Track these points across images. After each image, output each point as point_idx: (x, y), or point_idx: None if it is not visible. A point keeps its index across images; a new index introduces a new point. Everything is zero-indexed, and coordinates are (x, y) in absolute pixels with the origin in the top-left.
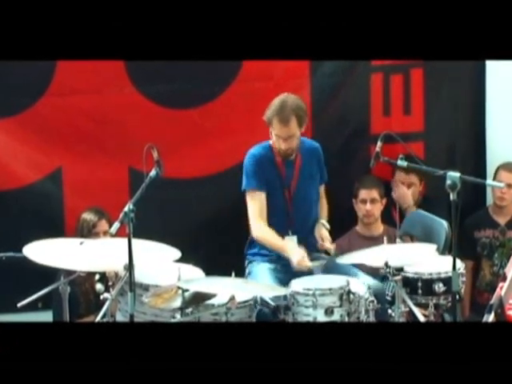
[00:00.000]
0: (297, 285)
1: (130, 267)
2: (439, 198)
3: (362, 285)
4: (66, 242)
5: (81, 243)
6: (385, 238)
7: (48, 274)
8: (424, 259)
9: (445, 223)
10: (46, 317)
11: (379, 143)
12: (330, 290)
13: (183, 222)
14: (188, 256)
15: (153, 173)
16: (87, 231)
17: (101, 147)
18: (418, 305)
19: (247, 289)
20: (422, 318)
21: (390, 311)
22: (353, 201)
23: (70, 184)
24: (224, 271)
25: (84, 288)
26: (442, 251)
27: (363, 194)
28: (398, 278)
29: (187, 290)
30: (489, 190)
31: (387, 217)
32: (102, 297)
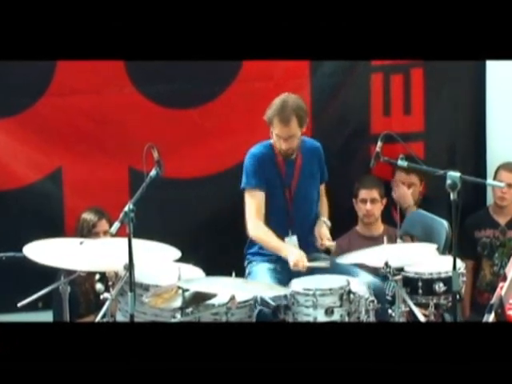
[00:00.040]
0: (297, 285)
1: (130, 267)
2: (439, 197)
3: (362, 285)
4: (65, 242)
5: (81, 243)
6: (385, 238)
7: (48, 274)
8: (424, 259)
9: (445, 223)
10: (46, 317)
11: (379, 143)
12: (331, 289)
13: (183, 222)
14: (188, 256)
15: (153, 173)
16: (87, 231)
17: (101, 147)
18: (418, 305)
19: (247, 289)
20: (422, 318)
21: (390, 311)
22: (353, 201)
23: (70, 184)
24: (224, 271)
25: (84, 288)
26: (443, 251)
27: (363, 193)
28: (399, 277)
29: (187, 290)
30: (489, 190)
31: (387, 217)
32: (101, 297)
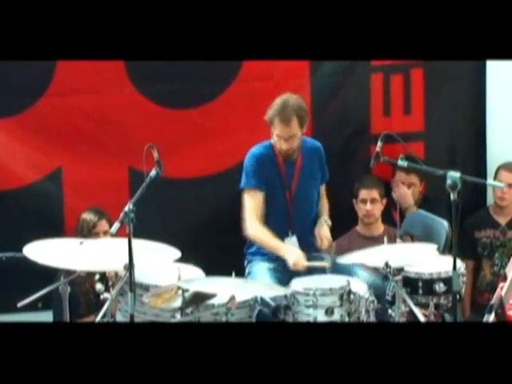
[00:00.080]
0: (297, 284)
1: (130, 267)
2: (439, 197)
3: (362, 285)
4: (65, 242)
5: (81, 243)
6: (385, 238)
7: (48, 274)
8: (424, 259)
9: (445, 223)
10: (46, 317)
11: (379, 143)
12: (331, 289)
13: (183, 222)
14: (188, 256)
15: (153, 173)
16: (87, 231)
17: (101, 147)
18: (418, 305)
19: (247, 289)
20: (422, 318)
21: (390, 311)
22: (353, 201)
23: (70, 184)
24: (224, 271)
25: (84, 288)
26: (443, 251)
27: (363, 193)
28: (399, 277)
29: (187, 290)
30: (489, 190)
31: (387, 217)
32: (102, 297)
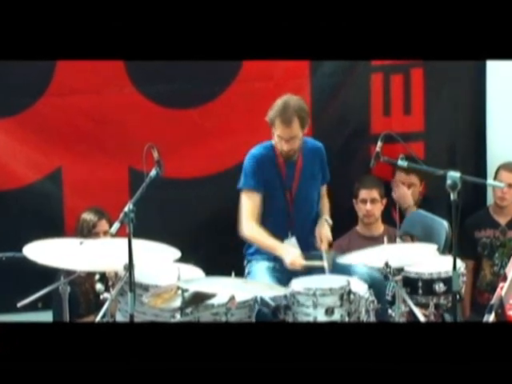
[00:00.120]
0: (297, 284)
1: (129, 267)
2: (439, 197)
3: (362, 285)
4: (65, 242)
5: (81, 243)
6: (385, 238)
7: (48, 274)
8: (424, 259)
9: (445, 223)
10: (46, 317)
11: (379, 143)
12: (331, 289)
13: (183, 222)
14: (188, 256)
15: (153, 173)
16: (87, 231)
17: (101, 147)
18: (418, 305)
19: (247, 289)
20: (422, 318)
21: (390, 311)
22: (353, 201)
23: (70, 184)
24: (224, 271)
25: (84, 288)
26: (443, 251)
27: (363, 193)
28: (399, 278)
29: (187, 290)
30: (489, 190)
31: (387, 217)
32: (101, 297)
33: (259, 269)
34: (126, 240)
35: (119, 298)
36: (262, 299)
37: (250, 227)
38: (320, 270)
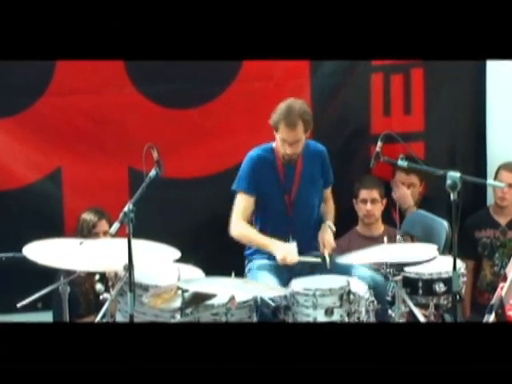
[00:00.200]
0: (297, 285)
1: (129, 267)
2: (439, 198)
3: (362, 285)
4: (65, 242)
5: (80, 243)
6: (385, 238)
7: (48, 274)
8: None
9: (445, 223)
10: (46, 317)
11: (379, 143)
12: (330, 290)
13: (183, 222)
14: (188, 256)
15: (153, 173)
16: (87, 231)
17: (101, 147)
18: (418, 305)
19: (247, 289)
20: (422, 319)
21: (390, 311)
22: (353, 201)
23: (70, 184)
24: (224, 271)
25: (84, 288)
26: (443, 251)
27: (364, 194)
28: (399, 278)
29: (187, 291)
30: (489, 190)
31: (387, 217)
32: (101, 297)
33: (259, 267)
34: (125, 240)
35: (119, 299)
36: (261, 299)
37: (238, 226)
38: (320, 271)
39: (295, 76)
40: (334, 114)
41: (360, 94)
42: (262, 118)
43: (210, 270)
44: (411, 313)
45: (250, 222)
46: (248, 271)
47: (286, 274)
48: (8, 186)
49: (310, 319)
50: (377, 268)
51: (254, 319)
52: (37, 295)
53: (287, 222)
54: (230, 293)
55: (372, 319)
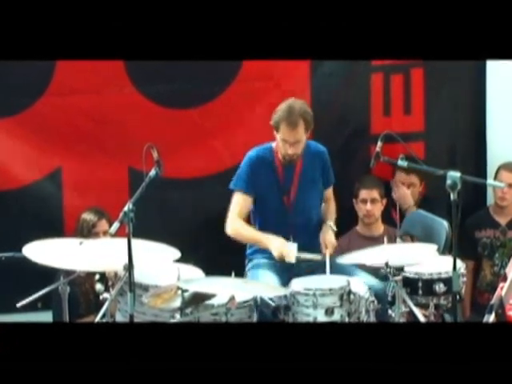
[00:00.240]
0: (297, 285)
1: (129, 267)
2: (439, 197)
3: (362, 285)
4: (65, 242)
5: (80, 243)
6: (385, 238)
7: (48, 274)
8: (424, 259)
9: (445, 223)
10: (46, 317)
11: (379, 143)
12: (331, 290)
13: (183, 222)
14: (188, 256)
15: (152, 173)
16: (87, 231)
17: (101, 147)
18: (418, 305)
19: (247, 289)
20: (422, 319)
21: (390, 311)
22: (353, 201)
23: (70, 184)
24: (224, 271)
25: (84, 288)
26: (443, 251)
27: (364, 193)
28: (399, 278)
29: (187, 290)
30: (489, 190)
31: (387, 217)
32: (101, 297)
33: (259, 268)
34: (125, 240)
35: (119, 298)
36: (261, 299)
37: (234, 223)
38: (320, 271)
39: (295, 76)
40: (334, 114)
41: (360, 94)
42: (262, 118)
43: (210, 270)
44: (411, 313)
45: (249, 223)
46: (248, 271)
47: (286, 273)
48: (8, 186)
49: (310, 319)
50: (377, 268)
51: (254, 319)
52: (37, 295)
53: (287, 223)
54: (229, 293)
55: (372, 319)
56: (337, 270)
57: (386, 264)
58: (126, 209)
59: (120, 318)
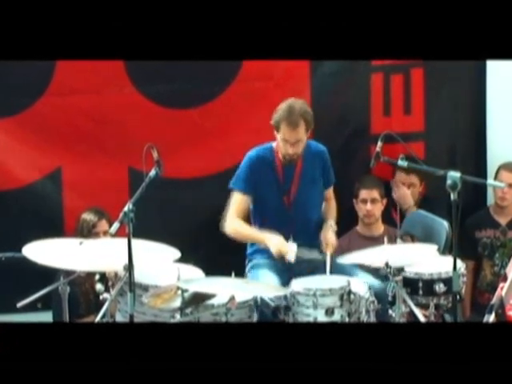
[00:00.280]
0: (297, 285)
1: (129, 267)
2: (440, 198)
3: (362, 285)
4: (65, 242)
5: (80, 243)
6: (385, 238)
7: (48, 274)
8: (424, 259)
9: (445, 223)
10: (46, 317)
11: (379, 143)
12: (331, 290)
13: (183, 222)
14: (188, 256)
15: (152, 173)
16: (87, 231)
17: (101, 147)
18: (418, 305)
19: (247, 289)
20: (422, 319)
21: (390, 312)
22: (353, 201)
23: (70, 184)
24: (224, 271)
25: (84, 288)
26: (443, 251)
27: (364, 193)
28: (399, 278)
29: (187, 290)
30: (489, 190)
31: (387, 217)
32: (101, 297)
33: (260, 268)
34: (125, 240)
35: (119, 299)
36: (262, 299)
37: (231, 222)
38: (320, 271)
39: (295, 76)
40: (334, 114)
41: (360, 94)
42: (262, 118)
43: (210, 270)
44: (411, 313)
45: (249, 223)
46: (248, 270)
47: (286, 273)
48: (8, 186)
49: (311, 319)
50: (377, 268)
51: (254, 319)
52: (37, 295)
53: (287, 223)
54: (229, 293)
55: (372, 319)
56: (337, 269)
57: (387, 264)
58: (126, 209)
59: (120, 318)
